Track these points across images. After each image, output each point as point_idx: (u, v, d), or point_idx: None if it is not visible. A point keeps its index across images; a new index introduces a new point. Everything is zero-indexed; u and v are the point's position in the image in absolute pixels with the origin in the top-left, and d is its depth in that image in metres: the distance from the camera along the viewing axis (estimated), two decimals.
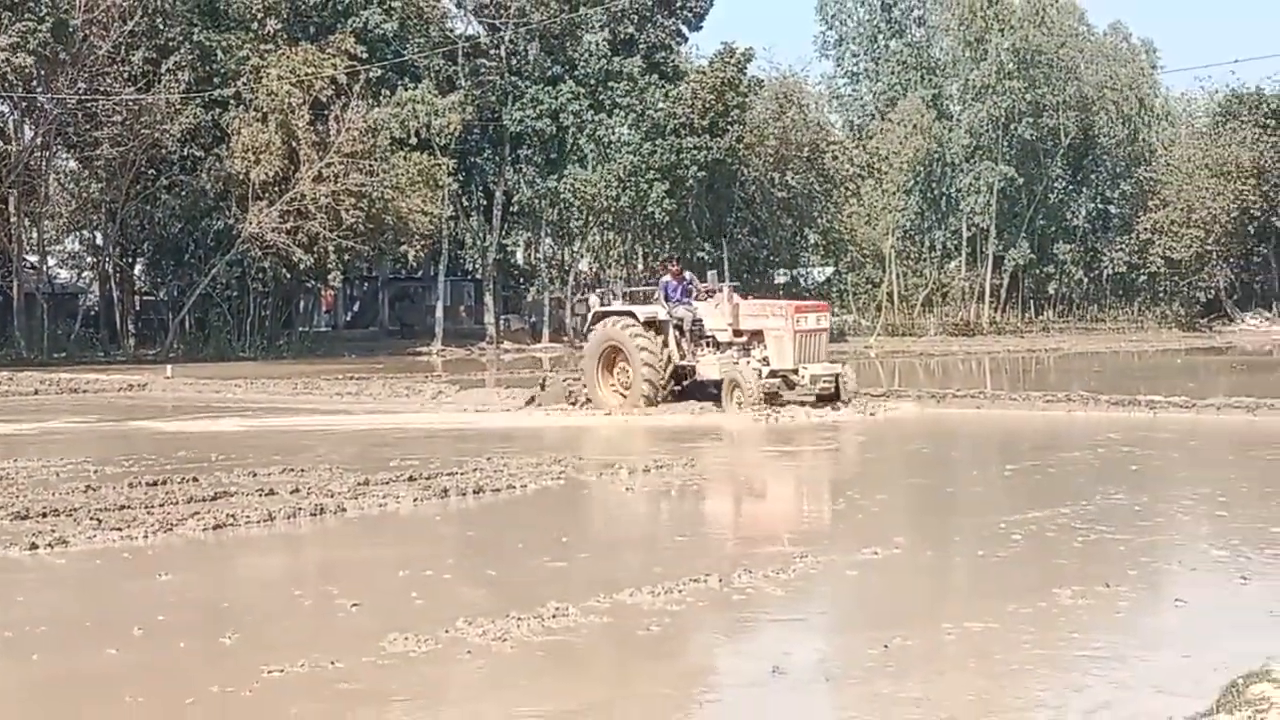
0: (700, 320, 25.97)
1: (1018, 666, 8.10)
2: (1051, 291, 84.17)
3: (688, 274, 27.58)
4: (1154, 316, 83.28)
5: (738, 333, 25.40)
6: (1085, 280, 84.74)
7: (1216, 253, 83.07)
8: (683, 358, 25.77)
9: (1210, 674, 7.40)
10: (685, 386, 25.85)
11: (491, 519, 13.85)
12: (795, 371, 24.64)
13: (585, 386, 26.77)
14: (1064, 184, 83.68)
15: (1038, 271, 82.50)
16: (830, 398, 24.80)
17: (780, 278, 74.21)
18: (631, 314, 26.12)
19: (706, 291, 26.75)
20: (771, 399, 24.17)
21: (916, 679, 7.89)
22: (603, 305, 27.66)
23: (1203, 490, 15.34)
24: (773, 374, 24.58)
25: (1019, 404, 26.02)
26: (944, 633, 8.77)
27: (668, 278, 27.08)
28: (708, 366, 25.53)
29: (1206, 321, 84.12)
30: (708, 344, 25.89)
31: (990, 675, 7.90)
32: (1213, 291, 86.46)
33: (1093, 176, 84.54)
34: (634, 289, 30.76)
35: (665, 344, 25.67)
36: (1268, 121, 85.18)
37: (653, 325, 25.82)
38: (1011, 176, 76.68)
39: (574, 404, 26.71)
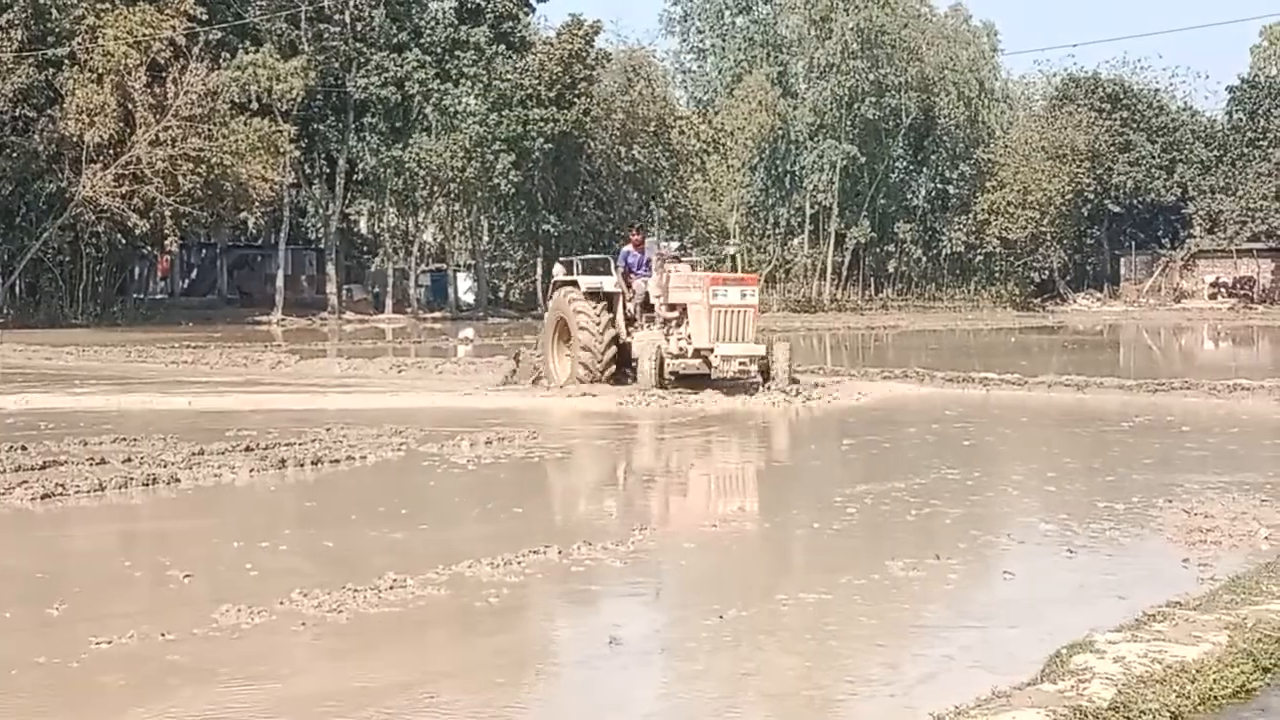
0: (648, 294, 24.11)
1: (850, 637, 8.21)
2: (891, 270, 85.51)
3: (650, 242, 25.72)
4: (990, 296, 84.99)
5: (670, 306, 23.59)
6: (924, 259, 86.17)
7: (1051, 234, 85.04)
8: (630, 334, 23.90)
9: (1036, 644, 7.56)
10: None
11: (329, 490, 13.72)
12: (713, 350, 22.68)
13: (541, 360, 25.18)
14: (905, 164, 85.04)
15: (878, 250, 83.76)
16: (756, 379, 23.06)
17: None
18: (576, 284, 24.41)
19: (670, 260, 24.41)
20: (692, 380, 22.62)
21: (751, 650, 7.97)
22: (565, 275, 25.34)
23: (1032, 466, 15.68)
24: (696, 353, 22.82)
25: (857, 379, 26.37)
26: (779, 604, 8.86)
27: (628, 247, 25.29)
28: (638, 343, 23.41)
29: (1040, 301, 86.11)
30: (650, 320, 24.04)
31: (823, 646, 8.00)
32: (1046, 272, 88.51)
33: (933, 157, 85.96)
34: (599, 258, 28.20)
35: (613, 319, 23.85)
36: (1103, 105, 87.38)
37: (597, 297, 23.94)
38: (854, 155, 77.60)
39: (536, 381, 24.90)
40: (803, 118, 78.17)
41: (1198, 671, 6.98)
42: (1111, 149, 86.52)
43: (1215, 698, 6.79)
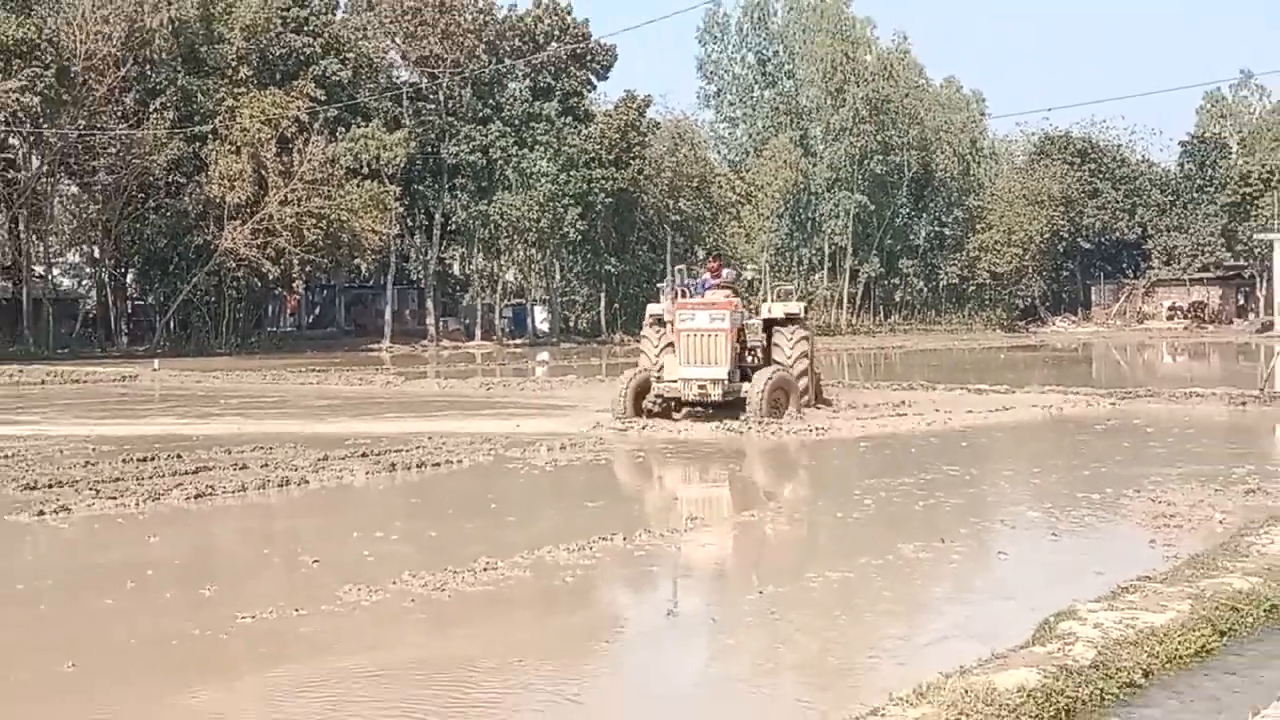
0: None
1: (870, 610, 8.16)
2: (897, 299, 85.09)
3: (727, 270, 21.82)
4: (981, 319, 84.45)
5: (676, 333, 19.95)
6: (925, 289, 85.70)
7: (1032, 267, 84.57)
8: None
9: (1027, 613, 7.50)
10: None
11: (431, 489, 13.75)
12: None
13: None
14: (908, 210, 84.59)
15: (886, 282, 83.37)
16: (723, 404, 19.27)
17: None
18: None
19: (711, 286, 20.85)
20: (677, 407, 19.59)
21: (786, 621, 7.94)
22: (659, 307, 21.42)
23: (1021, 463, 15.56)
24: (679, 380, 19.50)
25: (871, 390, 26.22)
26: (809, 582, 8.81)
27: (705, 275, 21.57)
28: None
29: (1024, 324, 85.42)
30: None
31: (847, 617, 7.96)
32: (1029, 299, 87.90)
33: (931, 204, 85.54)
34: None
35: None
36: (1074, 160, 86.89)
37: (660, 322, 20.89)
38: (865, 204, 77.41)
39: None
40: (821, 173, 77.97)
41: (1165, 635, 6.92)
42: (1082, 195, 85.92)
43: (1180, 657, 6.72)
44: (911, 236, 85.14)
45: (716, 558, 10.22)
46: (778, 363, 20.05)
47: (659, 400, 19.81)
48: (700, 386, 19.38)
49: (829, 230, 78.37)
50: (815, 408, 20.71)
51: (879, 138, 77.56)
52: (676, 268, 21.36)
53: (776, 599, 8.33)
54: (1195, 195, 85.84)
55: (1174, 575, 8.36)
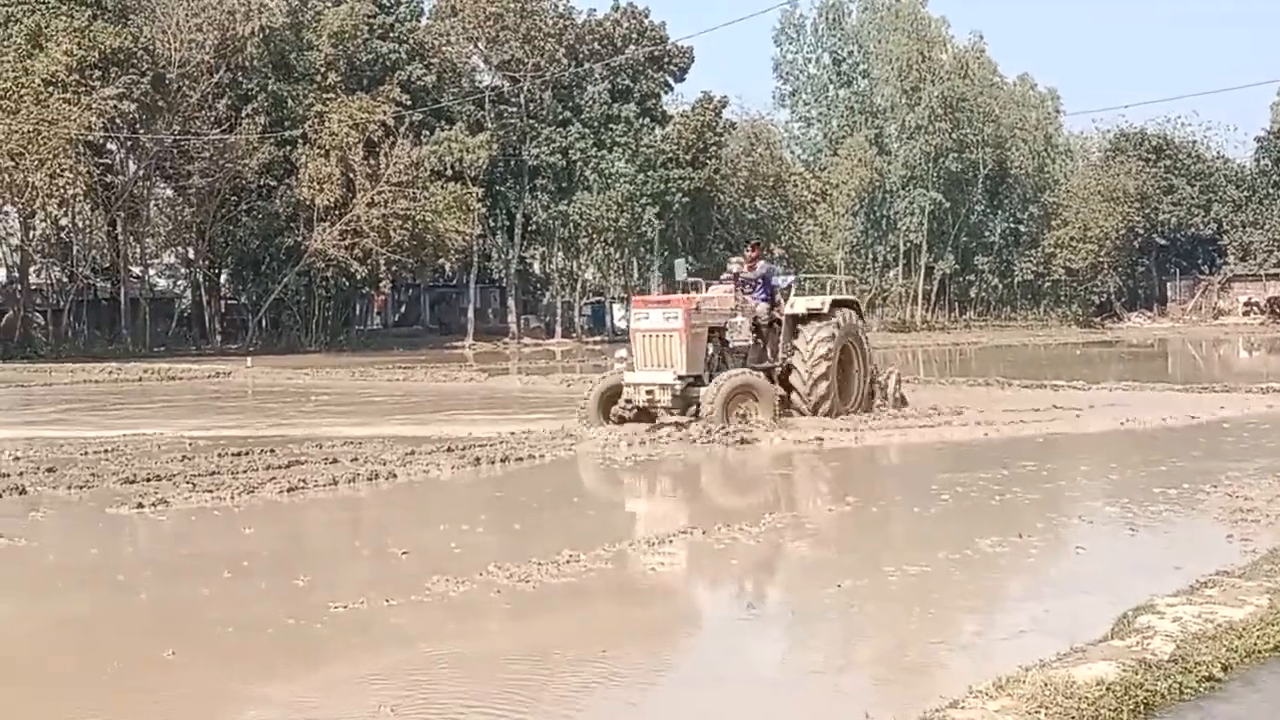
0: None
1: (948, 604, 8.10)
2: (972, 295, 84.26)
3: (763, 263, 19.69)
4: (1056, 316, 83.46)
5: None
6: (1000, 286, 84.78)
7: (1107, 263, 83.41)
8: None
9: (1106, 608, 7.40)
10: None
11: (515, 483, 13.81)
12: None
13: None
14: (983, 207, 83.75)
15: (961, 279, 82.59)
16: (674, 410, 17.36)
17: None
18: None
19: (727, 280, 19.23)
20: (642, 415, 17.55)
21: (863, 614, 7.90)
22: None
23: (1097, 458, 15.36)
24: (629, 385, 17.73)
25: (946, 387, 26.01)
26: (887, 576, 8.76)
27: (742, 264, 19.47)
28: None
29: (1099, 320, 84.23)
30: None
31: (925, 611, 7.90)
32: (1104, 295, 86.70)
33: (1006, 201, 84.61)
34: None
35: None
36: (1149, 156, 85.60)
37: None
38: (940, 201, 76.76)
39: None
40: (896, 171, 77.41)
41: (1244, 629, 6.82)
42: (1157, 191, 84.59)
43: (1259, 651, 6.60)
44: (987, 233, 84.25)
45: (795, 552, 10.18)
46: (793, 366, 18.32)
47: (630, 406, 17.60)
48: (648, 392, 17.35)
49: (904, 227, 77.81)
50: (876, 409, 19.26)
51: (954, 136, 76.83)
52: (733, 259, 19.45)
53: (854, 592, 8.30)
54: (1271, 191, 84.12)
55: (1252, 570, 8.22)
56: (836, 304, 19.34)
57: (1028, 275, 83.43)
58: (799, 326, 18.74)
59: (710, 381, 17.41)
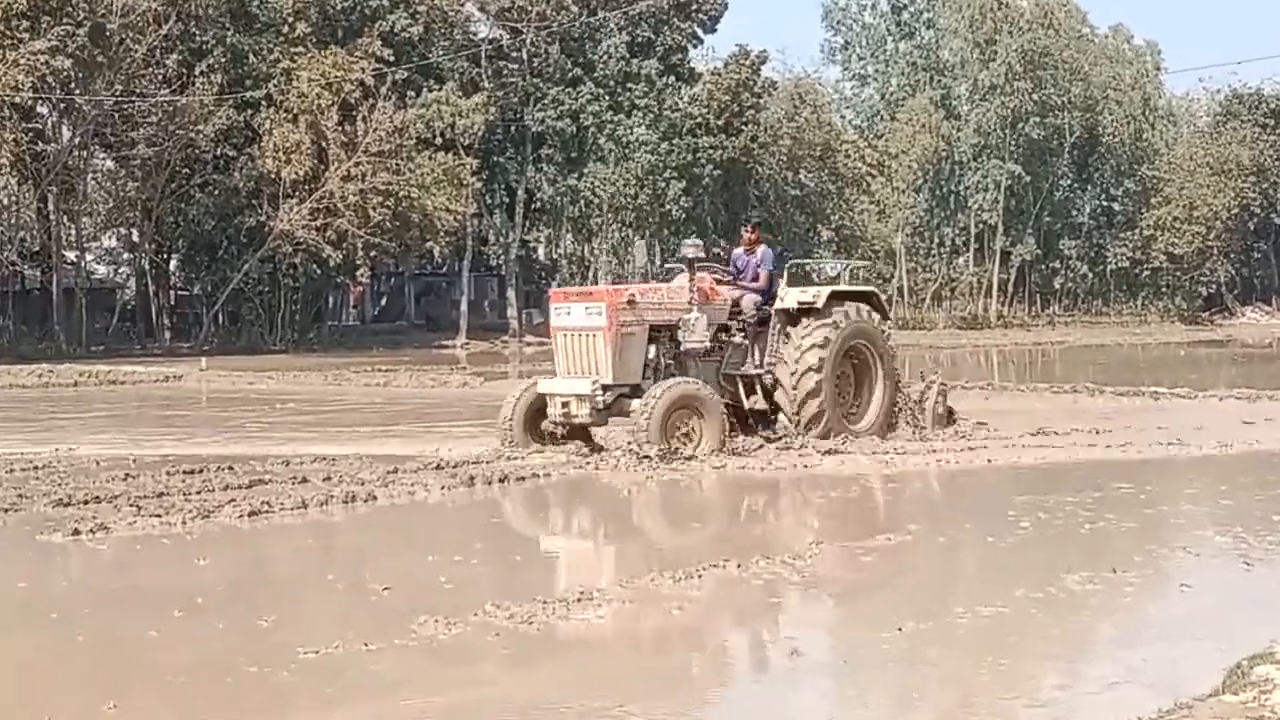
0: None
1: (1027, 652, 8.09)
2: (1057, 286, 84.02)
3: (763, 247, 18.96)
4: (1157, 310, 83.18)
5: None
6: (1090, 275, 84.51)
7: (1217, 248, 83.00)
8: None
9: (1215, 655, 7.38)
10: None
11: (515, 506, 13.85)
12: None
13: None
14: (1069, 181, 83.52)
15: (1044, 267, 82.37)
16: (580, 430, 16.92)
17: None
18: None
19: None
20: (578, 432, 16.96)
21: (930, 662, 7.90)
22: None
23: (1205, 479, 15.30)
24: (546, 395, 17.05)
25: (1025, 394, 25.96)
26: (956, 617, 8.75)
27: (738, 249, 19.35)
28: None
29: (1208, 315, 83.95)
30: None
31: (1000, 660, 7.89)
32: (1214, 286, 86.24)
33: (1097, 174, 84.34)
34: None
35: None
36: (1267, 121, 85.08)
37: None
38: (1018, 174, 76.51)
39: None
40: (966, 139, 77.23)
41: None
42: (1277, 163, 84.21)
43: None
44: (1074, 212, 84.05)
45: (848, 588, 10.17)
46: (777, 378, 17.56)
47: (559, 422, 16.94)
48: (564, 404, 16.61)
49: (976, 206, 77.62)
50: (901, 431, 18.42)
51: (1035, 97, 76.62)
52: (687, 241, 17.90)
53: (916, 637, 8.29)
54: None
55: None
56: (837, 297, 18.15)
57: (1122, 262, 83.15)
58: (789, 328, 17.80)
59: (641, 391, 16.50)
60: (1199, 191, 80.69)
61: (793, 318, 17.82)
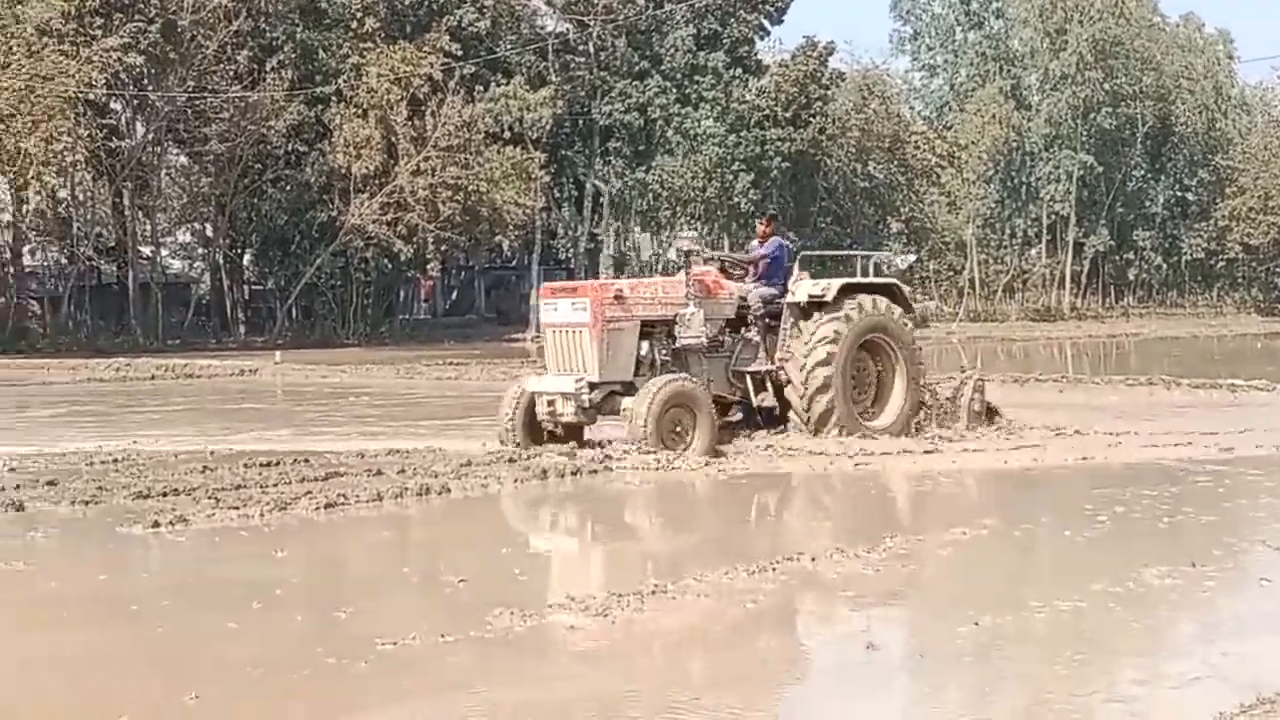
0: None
1: (1106, 645, 8.03)
2: (1131, 277, 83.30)
3: (776, 239, 18.45)
4: (1233, 302, 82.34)
5: None
6: (1164, 266, 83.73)
7: None
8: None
9: None
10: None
11: (588, 500, 13.86)
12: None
13: None
14: (1142, 172, 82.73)
15: (1117, 258, 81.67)
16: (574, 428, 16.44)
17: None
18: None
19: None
20: (570, 431, 16.45)
21: (1007, 656, 7.85)
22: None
23: None
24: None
25: (1100, 387, 25.74)
26: (1033, 611, 8.69)
27: (754, 241, 19.23)
28: None
29: None
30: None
31: (1077, 655, 7.82)
32: None
33: (1170, 164, 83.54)
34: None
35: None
36: None
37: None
38: (1090, 165, 75.94)
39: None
40: (1037, 129, 76.70)
41: None
42: None
43: None
44: (1147, 203, 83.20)
45: (923, 582, 10.13)
46: (788, 374, 16.96)
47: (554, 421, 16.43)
48: (549, 402, 16.12)
49: (1047, 196, 77.04)
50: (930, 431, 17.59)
51: (1106, 86, 75.94)
52: (683, 234, 17.29)
53: (994, 631, 8.24)
54: None
55: None
56: (851, 289, 17.48)
57: (1197, 253, 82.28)
58: (800, 322, 17.18)
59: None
60: (1274, 182, 79.75)
61: (805, 312, 17.20)
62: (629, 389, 16.01)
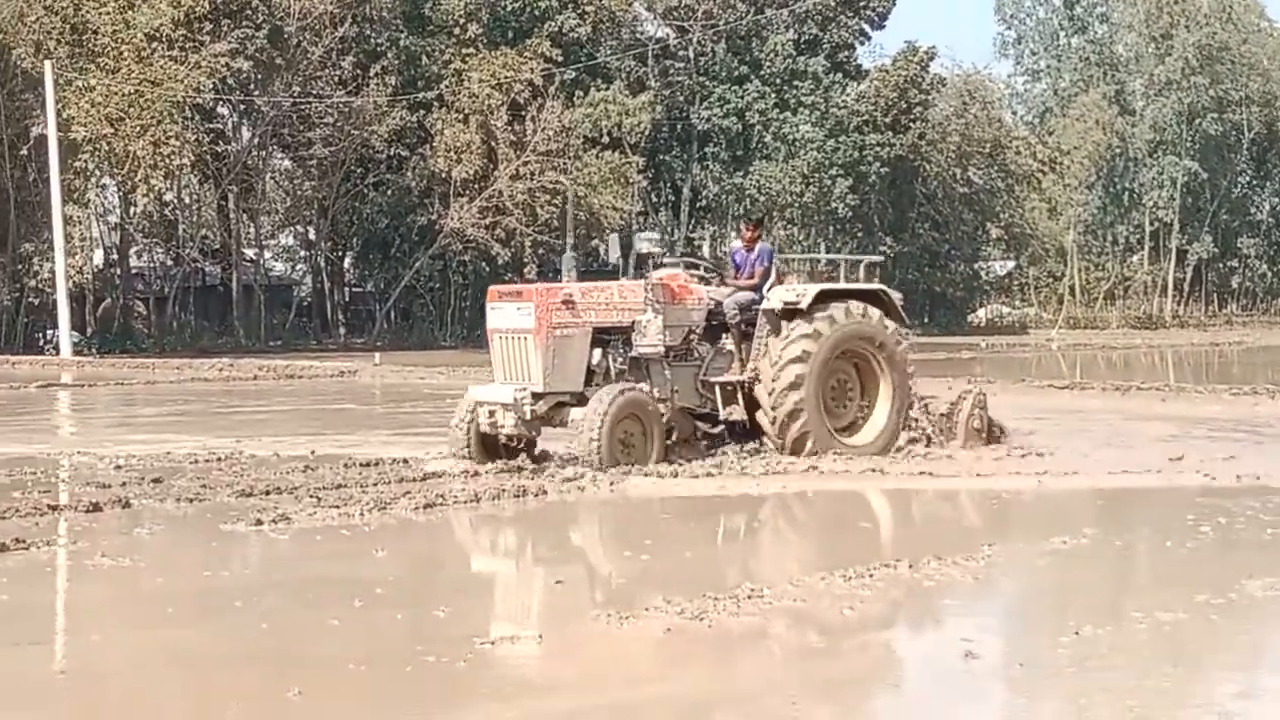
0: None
1: (1209, 658, 7.93)
2: (1235, 285, 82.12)
3: (762, 245, 17.10)
4: None
5: None
6: (1270, 274, 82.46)
7: None
8: None
9: None
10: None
11: (685, 506, 13.84)
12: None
13: None
14: (1248, 178, 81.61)
15: (1221, 266, 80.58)
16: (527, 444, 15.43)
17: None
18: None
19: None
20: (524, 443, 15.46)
21: (1105, 669, 7.76)
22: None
23: None
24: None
25: (1204, 396, 25.33)
26: (1134, 622, 8.58)
27: (736, 243, 17.77)
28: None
29: None
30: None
31: (1181, 667, 7.73)
32: None
33: (1276, 171, 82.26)
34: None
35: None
36: None
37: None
38: (1195, 171, 74.96)
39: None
40: (1141, 135, 75.86)
41: None
42: None
43: None
44: (1253, 210, 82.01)
45: (1023, 591, 10.05)
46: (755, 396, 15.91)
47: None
48: (490, 412, 15.08)
49: (1150, 203, 76.10)
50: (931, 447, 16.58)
51: (1212, 92, 74.96)
52: (642, 233, 16.38)
53: (1093, 642, 8.16)
54: None
55: None
56: (828, 296, 16.15)
57: None
58: (772, 339, 16.02)
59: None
60: None
61: (781, 319, 16.01)
62: (581, 400, 15.10)
